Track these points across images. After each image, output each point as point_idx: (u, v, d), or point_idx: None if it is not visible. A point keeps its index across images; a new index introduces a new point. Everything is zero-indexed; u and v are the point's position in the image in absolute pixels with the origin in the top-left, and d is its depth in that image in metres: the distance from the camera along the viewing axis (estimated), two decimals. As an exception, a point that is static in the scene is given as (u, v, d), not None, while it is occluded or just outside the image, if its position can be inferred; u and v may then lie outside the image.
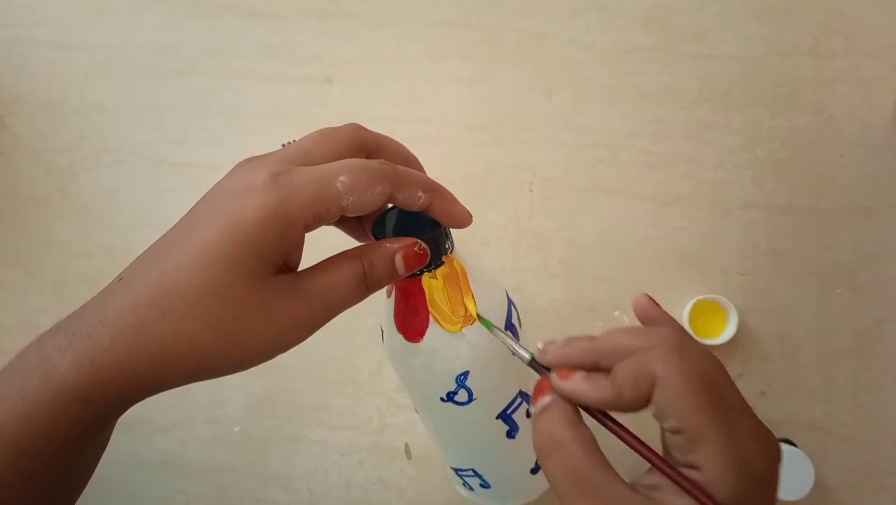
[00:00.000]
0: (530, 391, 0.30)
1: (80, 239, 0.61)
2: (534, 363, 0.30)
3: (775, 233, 0.55)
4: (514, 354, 0.31)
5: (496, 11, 0.60)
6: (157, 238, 0.30)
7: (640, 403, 0.26)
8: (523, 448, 0.39)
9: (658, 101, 0.57)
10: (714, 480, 0.24)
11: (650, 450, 0.26)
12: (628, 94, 0.58)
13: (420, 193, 0.31)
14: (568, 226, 0.57)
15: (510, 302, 0.40)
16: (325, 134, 0.31)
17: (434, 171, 0.61)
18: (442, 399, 0.36)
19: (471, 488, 0.44)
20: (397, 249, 0.31)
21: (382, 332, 0.39)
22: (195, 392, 0.58)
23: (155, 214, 0.60)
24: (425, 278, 0.34)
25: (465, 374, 0.35)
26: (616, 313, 0.56)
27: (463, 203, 0.33)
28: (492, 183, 0.58)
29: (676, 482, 0.25)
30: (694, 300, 0.53)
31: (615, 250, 0.56)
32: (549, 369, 0.29)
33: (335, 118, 0.64)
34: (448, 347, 0.35)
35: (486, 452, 0.41)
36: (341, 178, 0.28)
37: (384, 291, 0.39)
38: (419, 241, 0.32)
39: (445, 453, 0.43)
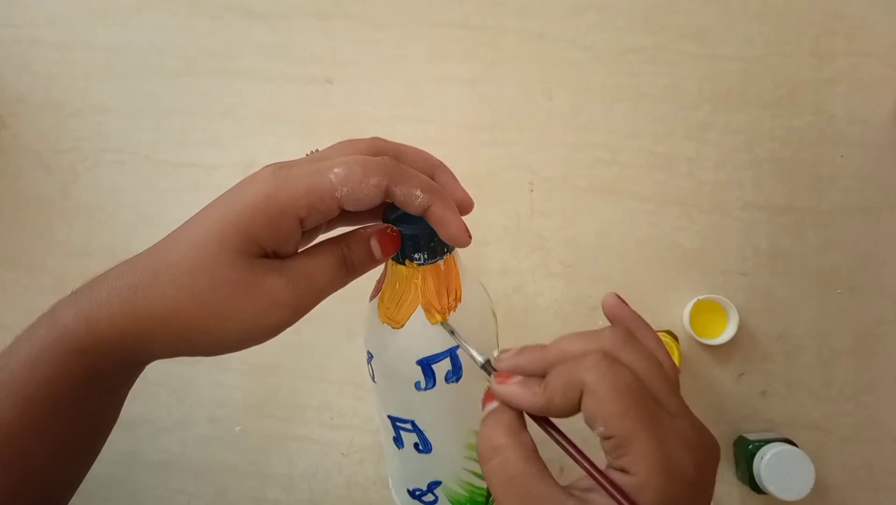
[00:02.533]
0: None
1: (81, 239, 0.61)
2: (487, 367, 0.31)
3: (775, 233, 0.55)
4: (471, 358, 0.32)
5: (496, 11, 0.60)
6: (159, 237, 0.31)
7: (570, 410, 0.27)
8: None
9: (658, 101, 0.57)
10: (641, 484, 0.24)
11: (581, 454, 0.27)
12: (628, 94, 0.58)
13: (418, 192, 0.31)
14: (568, 226, 0.57)
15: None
16: (346, 142, 0.33)
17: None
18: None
19: None
20: (371, 234, 0.32)
21: (371, 356, 0.40)
22: (196, 392, 0.58)
23: (156, 214, 0.60)
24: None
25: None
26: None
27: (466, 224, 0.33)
28: (492, 183, 0.58)
29: (602, 486, 0.25)
30: (694, 300, 0.53)
31: (615, 250, 0.56)
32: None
33: (335, 118, 0.65)
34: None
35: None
36: (336, 169, 0.29)
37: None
38: (391, 225, 0.33)
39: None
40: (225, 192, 0.30)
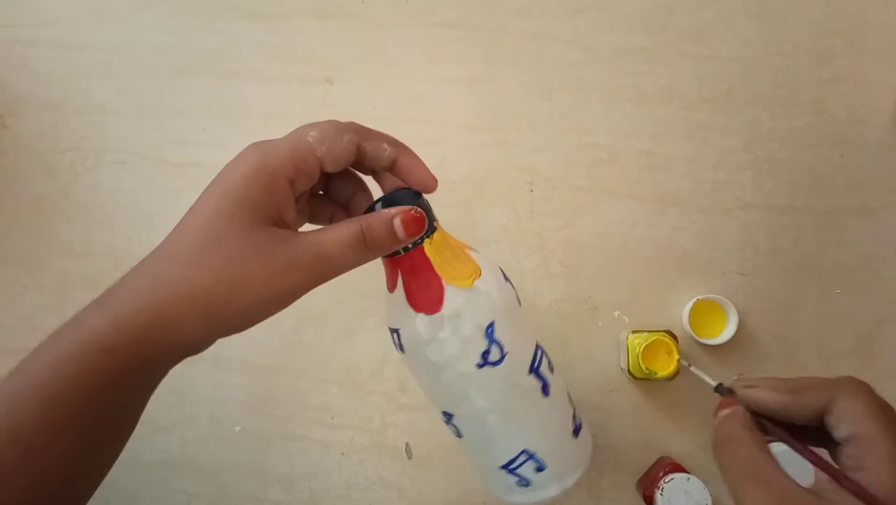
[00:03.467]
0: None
1: (81, 239, 0.61)
2: (721, 390, 0.35)
3: (775, 233, 0.55)
4: (705, 381, 0.37)
5: (496, 12, 0.60)
6: (159, 238, 0.32)
7: (815, 410, 0.30)
8: (560, 406, 0.42)
9: (658, 102, 0.57)
10: (877, 479, 0.27)
11: (821, 459, 0.30)
12: (628, 95, 0.58)
13: (385, 146, 0.34)
14: (568, 226, 0.57)
15: (506, 279, 0.41)
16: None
17: (434, 171, 0.61)
18: (478, 365, 0.37)
19: (527, 484, 0.43)
20: (395, 214, 0.33)
21: (397, 335, 0.39)
22: (196, 392, 0.58)
23: (156, 214, 0.60)
24: (427, 247, 0.35)
25: (492, 325, 0.37)
26: (616, 313, 0.56)
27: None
28: (492, 183, 0.58)
29: (842, 484, 0.28)
30: (694, 300, 0.53)
31: (615, 250, 0.56)
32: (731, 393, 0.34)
33: (335, 118, 0.64)
34: (468, 303, 0.36)
35: (531, 419, 0.41)
36: (312, 133, 0.32)
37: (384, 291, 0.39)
38: (415, 206, 0.34)
39: (492, 451, 0.42)
40: (215, 177, 0.32)
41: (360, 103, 0.60)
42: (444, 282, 0.36)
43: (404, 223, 0.33)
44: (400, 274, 0.37)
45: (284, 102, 0.61)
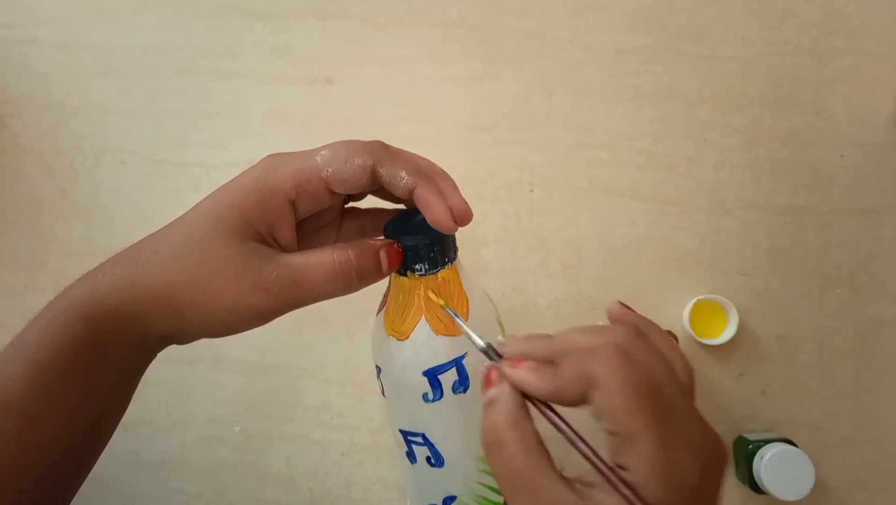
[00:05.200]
0: None
1: (81, 239, 0.61)
2: (489, 350, 0.30)
3: (775, 233, 0.55)
4: (472, 342, 0.31)
5: (496, 11, 0.60)
6: None
7: (579, 400, 0.26)
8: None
9: (658, 101, 0.57)
10: (639, 482, 0.24)
11: (588, 446, 0.26)
12: (628, 94, 0.58)
13: (404, 174, 0.32)
14: (568, 226, 0.57)
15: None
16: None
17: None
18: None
19: None
20: (381, 246, 0.32)
21: (379, 370, 0.39)
22: (196, 392, 0.58)
23: (156, 214, 0.60)
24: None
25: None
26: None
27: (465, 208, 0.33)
28: (492, 183, 0.58)
29: (608, 479, 0.25)
30: (694, 300, 0.53)
31: (615, 250, 0.56)
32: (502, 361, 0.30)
33: (335, 118, 0.65)
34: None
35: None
36: (322, 152, 0.31)
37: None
38: (396, 241, 0.33)
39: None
40: (226, 183, 0.32)
41: (360, 103, 0.60)
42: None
43: (387, 256, 0.32)
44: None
45: (284, 102, 0.61)
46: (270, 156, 0.32)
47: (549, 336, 0.29)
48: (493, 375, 0.29)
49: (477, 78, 0.59)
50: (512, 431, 0.27)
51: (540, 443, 0.27)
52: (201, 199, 0.32)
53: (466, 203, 0.33)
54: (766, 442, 0.50)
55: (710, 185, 0.56)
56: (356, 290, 0.32)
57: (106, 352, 0.31)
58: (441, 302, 0.35)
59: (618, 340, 0.27)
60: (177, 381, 0.58)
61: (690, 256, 0.56)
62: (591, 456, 0.26)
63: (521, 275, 0.57)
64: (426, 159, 0.34)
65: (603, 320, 0.56)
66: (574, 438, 0.27)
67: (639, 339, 0.27)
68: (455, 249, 0.36)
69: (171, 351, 0.61)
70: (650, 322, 0.31)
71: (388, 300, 0.37)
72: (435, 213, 0.32)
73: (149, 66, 0.63)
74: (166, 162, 0.61)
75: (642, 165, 0.57)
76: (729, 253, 0.55)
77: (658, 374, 0.26)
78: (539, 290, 0.57)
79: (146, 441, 0.57)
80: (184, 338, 0.33)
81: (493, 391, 0.28)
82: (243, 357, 0.58)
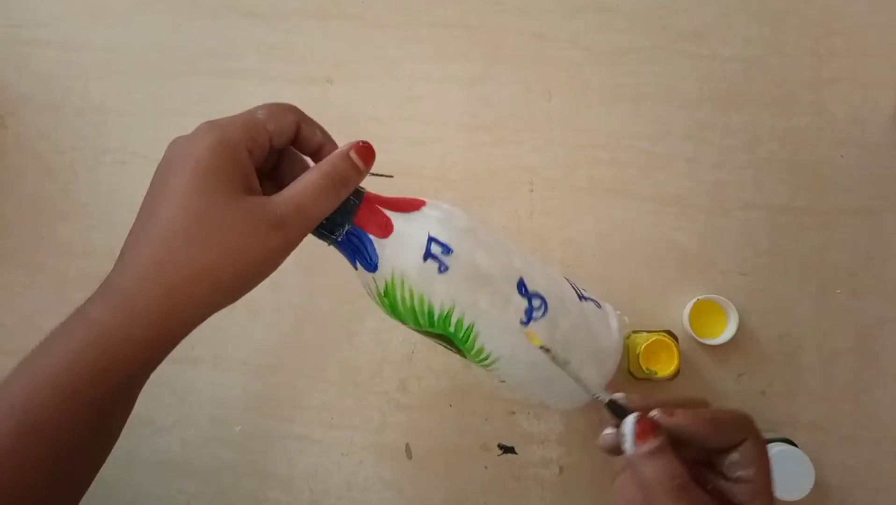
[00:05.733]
0: None
1: (81, 239, 0.61)
2: (613, 404, 0.34)
3: (775, 233, 0.55)
4: (591, 397, 0.35)
5: (496, 11, 0.60)
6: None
7: (727, 444, 0.33)
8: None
9: (658, 101, 0.57)
10: None
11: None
12: (628, 95, 0.58)
13: (318, 132, 0.37)
14: (568, 226, 0.57)
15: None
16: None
17: (434, 171, 0.61)
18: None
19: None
20: (349, 148, 0.35)
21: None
22: (196, 392, 0.58)
23: (155, 214, 0.60)
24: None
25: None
26: (616, 313, 0.55)
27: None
28: (492, 183, 0.58)
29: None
30: (694, 300, 0.53)
31: (615, 250, 0.56)
32: (624, 414, 0.33)
33: (335, 118, 0.64)
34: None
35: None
36: (259, 111, 0.35)
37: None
38: (360, 140, 0.36)
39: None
40: (172, 159, 0.33)
41: (360, 103, 0.60)
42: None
43: (359, 153, 0.35)
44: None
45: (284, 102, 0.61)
46: (209, 122, 0.34)
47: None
48: (647, 426, 0.32)
49: (477, 78, 0.59)
50: (684, 497, 0.31)
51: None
52: (158, 169, 0.34)
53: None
54: (766, 442, 0.50)
55: (710, 185, 0.56)
56: (346, 196, 0.35)
57: (140, 376, 0.33)
58: (539, 343, 0.37)
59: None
60: (177, 381, 0.58)
61: (690, 256, 0.56)
62: None
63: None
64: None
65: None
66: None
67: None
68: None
69: (172, 351, 0.61)
70: None
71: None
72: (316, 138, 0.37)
73: (149, 66, 0.63)
74: (166, 162, 0.61)
75: (642, 165, 0.57)
76: (729, 253, 0.55)
77: None
78: (539, 290, 0.57)
79: (146, 441, 0.57)
80: (219, 307, 0.34)
81: (648, 445, 0.32)
82: (243, 357, 0.58)
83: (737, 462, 0.33)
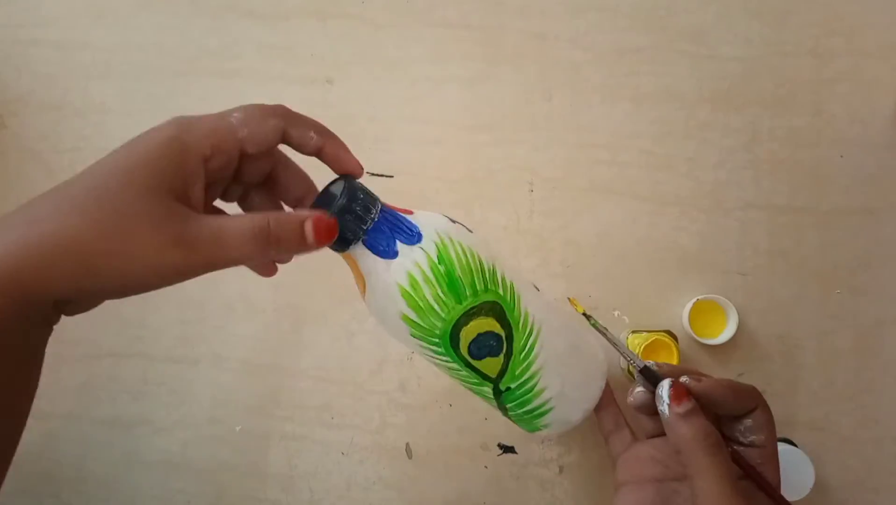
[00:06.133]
0: None
1: (80, 239, 0.61)
2: (646, 371, 0.38)
3: (775, 233, 0.55)
4: (629, 362, 0.39)
5: (496, 12, 0.60)
6: None
7: (742, 410, 0.37)
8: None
9: (658, 102, 0.57)
10: (771, 479, 0.37)
11: (756, 471, 0.37)
12: (628, 95, 0.58)
13: (312, 134, 0.33)
14: (568, 226, 0.57)
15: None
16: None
17: (434, 171, 0.61)
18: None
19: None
20: (307, 217, 0.32)
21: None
22: (196, 392, 0.58)
23: (155, 214, 0.60)
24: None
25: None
26: (616, 313, 0.56)
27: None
28: (492, 183, 0.58)
29: (754, 476, 0.37)
30: (694, 300, 0.53)
31: (615, 250, 0.56)
32: (656, 380, 0.38)
33: (335, 118, 0.64)
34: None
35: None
36: (235, 114, 0.32)
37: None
38: (326, 216, 0.32)
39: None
40: (126, 143, 0.31)
41: (360, 103, 0.60)
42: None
43: (315, 229, 0.31)
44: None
45: (284, 102, 0.60)
46: (179, 117, 0.31)
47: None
48: (681, 390, 0.36)
49: (477, 78, 0.59)
50: (726, 465, 0.34)
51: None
52: None
53: (357, 161, 0.35)
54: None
55: (710, 185, 0.56)
56: (280, 258, 0.33)
57: (8, 326, 0.28)
58: (582, 310, 0.40)
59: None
60: (177, 381, 0.58)
61: (690, 256, 0.56)
62: (746, 466, 0.36)
63: (521, 275, 0.57)
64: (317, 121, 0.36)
65: (603, 320, 0.56)
66: (754, 474, 0.37)
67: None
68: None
69: (172, 351, 0.61)
70: None
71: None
72: (348, 161, 0.34)
73: (149, 66, 0.63)
74: (166, 162, 0.61)
75: (642, 165, 0.57)
76: (729, 253, 0.55)
77: None
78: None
79: (146, 441, 0.57)
80: (88, 300, 0.31)
81: (682, 406, 0.35)
82: (243, 357, 0.58)
83: (750, 427, 0.37)
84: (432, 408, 0.56)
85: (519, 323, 0.39)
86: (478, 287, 0.36)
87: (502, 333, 0.39)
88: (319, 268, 0.57)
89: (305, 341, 0.58)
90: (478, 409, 0.56)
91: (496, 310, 0.37)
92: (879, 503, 0.53)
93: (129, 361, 0.58)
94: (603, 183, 0.57)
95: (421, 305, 0.35)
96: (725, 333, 0.53)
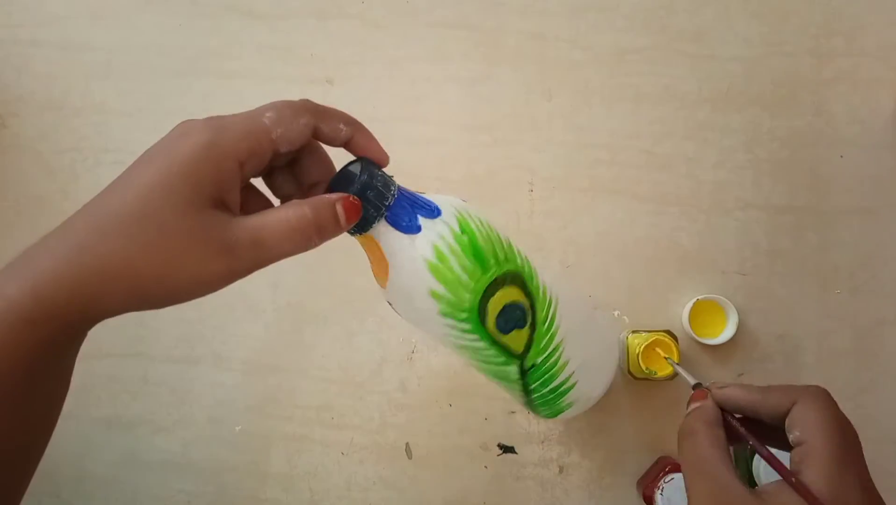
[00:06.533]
0: None
1: (80, 239, 0.61)
2: (697, 387, 0.37)
3: (775, 233, 0.55)
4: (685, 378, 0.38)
5: (496, 12, 0.60)
6: None
7: (778, 410, 0.32)
8: None
9: (658, 102, 0.57)
10: (815, 481, 0.29)
11: (770, 454, 0.32)
12: (628, 95, 0.58)
13: (342, 126, 0.33)
14: (568, 226, 0.57)
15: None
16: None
17: (434, 171, 0.61)
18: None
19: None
20: (336, 199, 0.32)
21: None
22: (196, 392, 0.58)
23: (155, 214, 0.60)
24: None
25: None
26: (616, 313, 0.56)
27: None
28: (492, 183, 0.58)
29: (786, 479, 0.30)
30: (694, 300, 0.53)
31: (615, 250, 0.56)
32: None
33: (335, 118, 0.64)
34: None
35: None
36: (267, 114, 0.31)
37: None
38: (350, 194, 0.32)
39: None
40: (155, 148, 0.30)
41: (360, 103, 0.60)
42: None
43: (345, 207, 0.32)
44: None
45: (284, 102, 0.61)
46: (208, 119, 0.31)
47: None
48: (699, 394, 0.35)
49: (477, 78, 0.59)
50: (705, 427, 0.32)
51: (726, 445, 0.32)
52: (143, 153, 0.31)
53: (384, 150, 0.36)
54: (829, 403, 0.50)
55: (710, 185, 0.56)
56: (315, 245, 0.32)
57: (51, 347, 0.29)
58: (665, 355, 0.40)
59: (822, 391, 0.33)
60: (177, 381, 0.58)
61: (690, 256, 0.56)
62: (772, 460, 0.32)
63: (521, 275, 0.57)
64: (343, 112, 0.36)
65: (603, 320, 0.55)
66: (758, 446, 0.33)
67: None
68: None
69: (171, 351, 0.61)
70: None
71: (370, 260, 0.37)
72: (377, 152, 0.35)
73: (149, 66, 0.63)
74: (166, 162, 0.61)
75: (642, 165, 0.57)
76: (729, 253, 0.55)
77: (850, 426, 0.32)
78: (539, 290, 0.57)
79: (146, 441, 0.57)
80: (137, 310, 0.32)
81: (696, 403, 0.35)
82: (243, 357, 0.58)
83: (789, 426, 0.32)
84: (432, 408, 0.56)
85: (539, 293, 0.39)
86: (499, 256, 0.36)
87: (526, 303, 0.38)
88: (319, 268, 0.57)
89: (305, 341, 0.58)
90: (478, 409, 0.56)
91: (518, 279, 0.38)
92: (879, 503, 0.53)
93: (129, 361, 0.58)
94: (603, 183, 0.57)
95: (449, 276, 0.35)
96: (725, 333, 0.53)
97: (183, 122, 0.31)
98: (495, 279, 0.36)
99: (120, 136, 0.62)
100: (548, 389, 0.43)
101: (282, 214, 0.30)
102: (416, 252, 0.35)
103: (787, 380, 0.54)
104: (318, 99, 0.66)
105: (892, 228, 0.55)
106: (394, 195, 0.34)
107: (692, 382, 0.38)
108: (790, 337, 0.54)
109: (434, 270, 0.35)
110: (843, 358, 0.54)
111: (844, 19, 0.57)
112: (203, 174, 0.29)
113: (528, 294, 0.39)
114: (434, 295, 0.35)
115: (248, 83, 0.61)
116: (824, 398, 0.32)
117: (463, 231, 0.35)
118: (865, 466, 0.31)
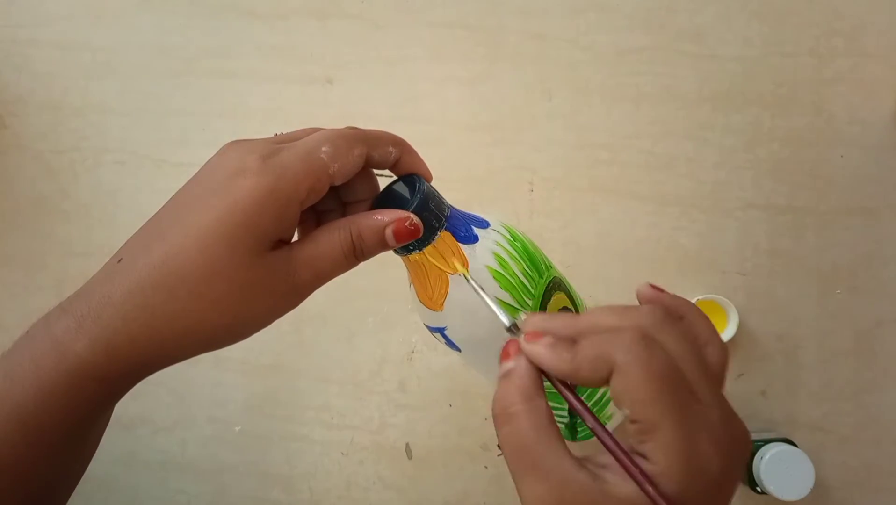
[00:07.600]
0: None
1: (80, 239, 0.61)
2: (512, 329, 0.30)
3: (775, 233, 0.55)
4: (499, 317, 0.31)
5: (496, 11, 0.60)
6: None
7: (596, 383, 0.26)
8: None
9: (658, 101, 0.57)
10: (660, 473, 0.24)
11: (603, 429, 0.25)
12: (628, 95, 0.58)
13: (391, 149, 0.33)
14: (568, 226, 0.57)
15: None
16: (309, 129, 0.33)
17: (434, 171, 0.61)
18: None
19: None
20: (388, 223, 0.31)
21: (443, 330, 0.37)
22: (196, 392, 0.58)
23: (155, 214, 0.60)
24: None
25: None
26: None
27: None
28: (492, 183, 0.58)
29: (622, 465, 0.24)
30: (694, 300, 0.53)
31: (615, 250, 0.56)
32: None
33: (335, 118, 0.65)
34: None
35: None
36: (324, 148, 0.30)
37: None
38: (412, 215, 0.31)
39: None
40: (206, 182, 0.30)
41: (360, 103, 0.60)
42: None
43: (397, 234, 0.31)
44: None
45: (284, 102, 0.61)
46: (266, 158, 0.29)
47: (574, 314, 0.29)
48: (511, 348, 0.28)
49: (477, 78, 0.59)
50: (524, 404, 0.26)
51: (552, 419, 0.26)
52: (191, 181, 0.31)
53: (428, 169, 0.36)
54: (766, 442, 0.50)
55: (710, 185, 0.56)
56: (358, 263, 0.32)
57: (113, 401, 0.30)
58: (463, 271, 0.33)
59: (642, 323, 0.26)
60: (177, 381, 0.58)
61: (690, 256, 0.56)
62: (608, 443, 0.25)
63: (521, 275, 0.57)
64: (386, 132, 0.35)
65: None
66: (595, 426, 0.26)
67: (665, 322, 0.26)
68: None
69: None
70: (684, 302, 0.29)
71: (410, 279, 0.36)
72: (423, 167, 0.35)
73: (149, 66, 0.63)
74: (166, 162, 0.61)
75: (642, 165, 0.57)
76: (729, 253, 0.55)
77: (682, 360, 0.25)
78: (539, 290, 0.57)
79: (146, 441, 0.57)
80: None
81: (509, 364, 0.28)
82: (243, 357, 0.58)
83: (615, 402, 0.25)
84: (432, 408, 0.56)
85: (576, 298, 0.39)
86: (547, 262, 0.36)
87: (574, 309, 0.38)
88: (319, 268, 0.57)
89: (305, 341, 0.58)
90: (478, 409, 0.56)
91: (563, 284, 0.37)
92: (879, 503, 0.53)
93: (129, 361, 0.58)
94: (603, 183, 0.57)
95: (513, 282, 0.34)
96: (725, 333, 0.53)
97: (232, 151, 0.31)
98: (549, 284, 0.36)
99: (120, 136, 0.62)
100: (592, 402, 0.42)
101: (335, 242, 0.30)
102: (478, 262, 0.34)
103: (788, 380, 0.54)
104: (319, 99, 0.66)
105: (892, 228, 0.55)
106: (449, 208, 0.34)
107: (506, 321, 0.30)
108: (790, 337, 0.54)
109: (498, 277, 0.34)
110: (843, 358, 0.54)
111: (845, 19, 0.57)
112: (267, 224, 0.28)
113: (571, 299, 0.38)
114: (499, 304, 0.34)
115: (248, 83, 0.61)
116: (643, 357, 0.24)
117: (514, 238, 0.35)
118: (717, 411, 0.25)
